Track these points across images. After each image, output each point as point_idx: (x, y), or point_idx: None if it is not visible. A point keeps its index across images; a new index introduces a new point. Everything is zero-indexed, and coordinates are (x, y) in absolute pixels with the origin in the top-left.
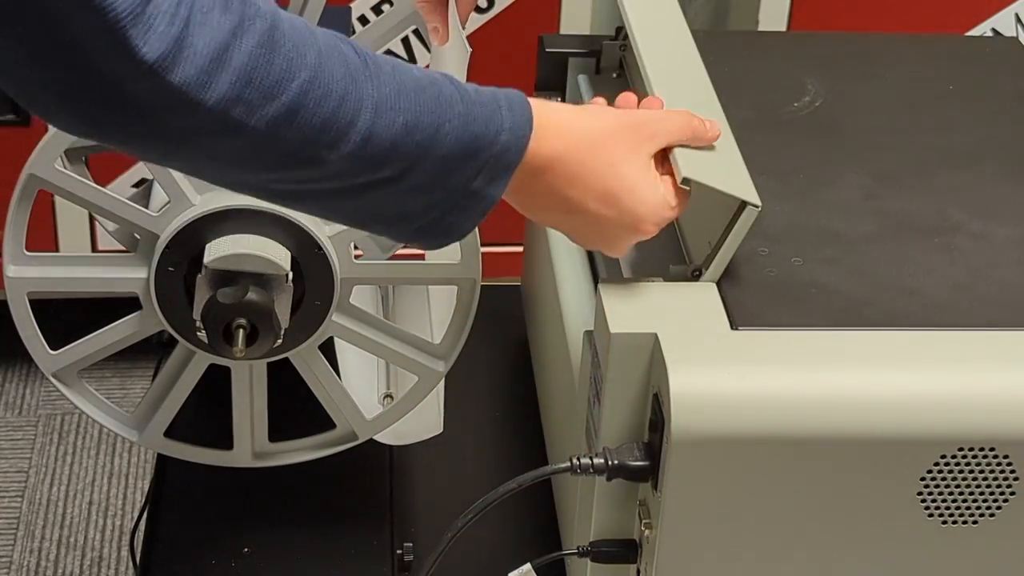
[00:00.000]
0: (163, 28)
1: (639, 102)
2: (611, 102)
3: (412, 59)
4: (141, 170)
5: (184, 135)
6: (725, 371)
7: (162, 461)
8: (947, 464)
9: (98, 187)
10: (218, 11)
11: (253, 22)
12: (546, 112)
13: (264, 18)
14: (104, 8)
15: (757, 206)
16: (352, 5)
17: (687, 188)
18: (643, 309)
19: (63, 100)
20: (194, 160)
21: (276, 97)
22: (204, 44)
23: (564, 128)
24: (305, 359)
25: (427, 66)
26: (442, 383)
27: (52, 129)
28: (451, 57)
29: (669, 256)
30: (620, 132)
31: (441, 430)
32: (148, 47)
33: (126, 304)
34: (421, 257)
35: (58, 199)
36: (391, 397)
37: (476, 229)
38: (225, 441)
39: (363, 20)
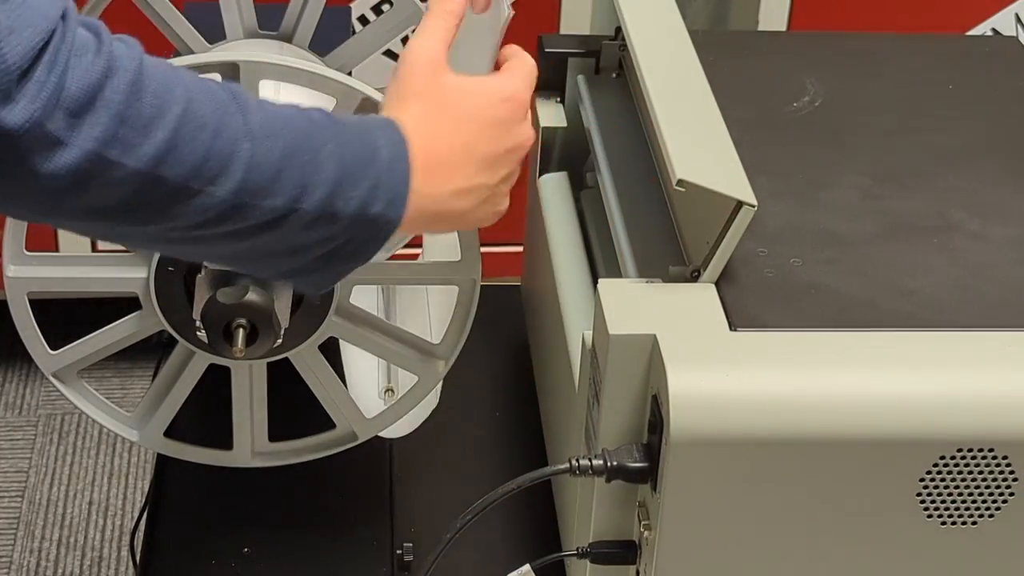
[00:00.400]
0: (43, 76)
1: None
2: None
3: None
4: None
5: (68, 180)
6: (724, 372)
7: (162, 461)
8: (946, 465)
9: None
10: (91, 54)
11: (121, 62)
12: (400, 115)
13: (132, 59)
14: None
15: (753, 206)
16: (352, 5)
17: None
18: (642, 310)
19: None
20: (80, 211)
21: (151, 133)
22: (78, 87)
23: (429, 131)
24: (305, 359)
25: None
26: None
27: None
28: (485, 25)
29: (668, 257)
30: (434, 111)
31: (436, 403)
32: (26, 101)
33: (126, 304)
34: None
35: None
36: (392, 391)
37: (476, 229)
38: (225, 441)
39: (363, 20)
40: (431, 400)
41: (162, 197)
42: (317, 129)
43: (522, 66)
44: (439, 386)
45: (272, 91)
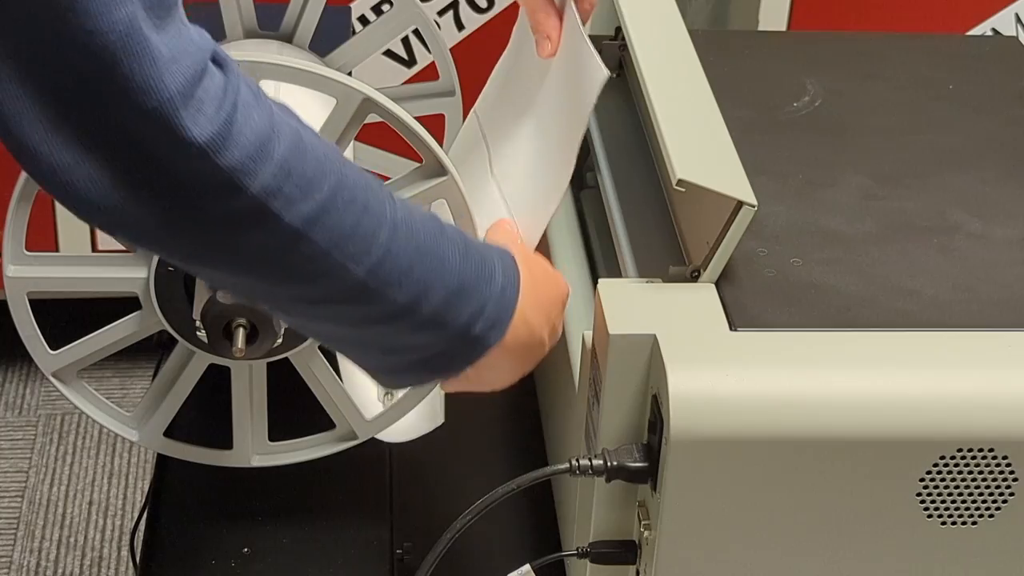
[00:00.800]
0: (212, 112)
1: None
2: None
3: (412, 59)
4: None
5: (221, 224)
6: (724, 372)
7: (162, 461)
8: (946, 465)
9: None
10: (255, 110)
11: (281, 120)
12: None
13: (290, 124)
14: (153, 90)
15: (753, 206)
16: (352, 5)
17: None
18: (642, 310)
19: (105, 184)
20: (223, 258)
21: (311, 195)
22: (251, 131)
23: (526, 268)
24: (305, 359)
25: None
26: None
27: None
28: (573, 66)
29: (668, 257)
30: (535, 264)
31: (442, 420)
32: (198, 128)
33: (126, 304)
34: None
35: None
36: (391, 394)
37: (476, 228)
38: (225, 441)
39: (363, 20)
40: (437, 413)
41: (304, 260)
42: (446, 236)
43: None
44: (442, 399)
45: (272, 91)
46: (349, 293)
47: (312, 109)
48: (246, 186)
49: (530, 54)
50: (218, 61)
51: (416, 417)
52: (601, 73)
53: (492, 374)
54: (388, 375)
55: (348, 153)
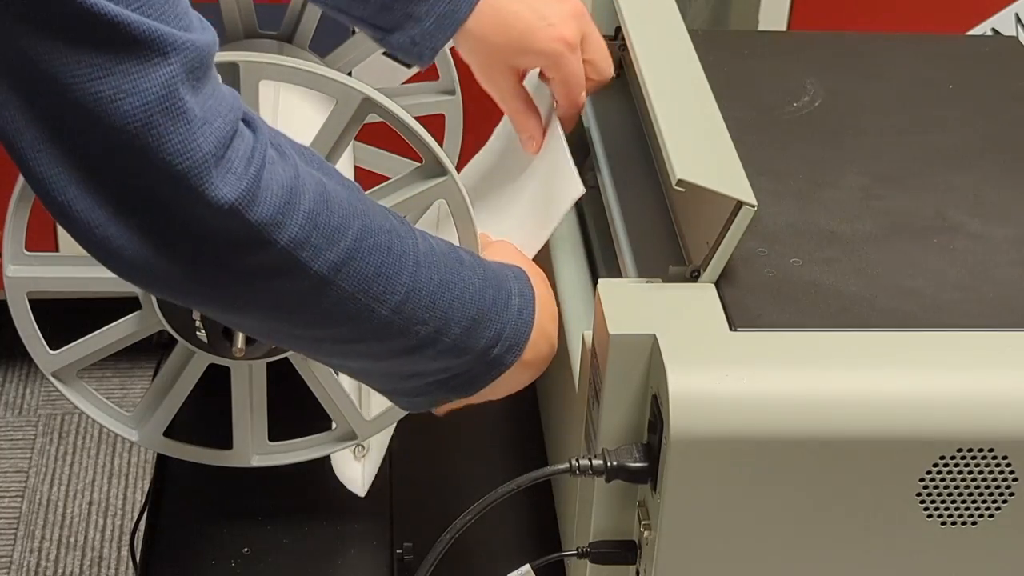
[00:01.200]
0: (241, 170)
1: None
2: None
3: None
4: None
5: (252, 276)
6: (724, 372)
7: (162, 461)
8: (946, 465)
9: None
10: (281, 165)
11: (305, 173)
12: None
13: (314, 175)
14: (187, 151)
15: (753, 205)
16: None
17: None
18: (642, 310)
19: (139, 242)
20: (253, 307)
21: (337, 243)
22: (278, 186)
23: (537, 284)
24: (305, 359)
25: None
26: None
27: None
28: (550, 174)
29: (668, 257)
30: (542, 280)
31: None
32: (228, 187)
33: (126, 304)
34: None
35: None
36: None
37: (476, 227)
38: (225, 441)
39: None
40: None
41: (332, 305)
42: (466, 266)
43: None
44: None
45: (272, 92)
46: (375, 331)
47: (311, 111)
48: (275, 239)
49: (512, 150)
50: (247, 120)
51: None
52: (576, 190)
53: (502, 387)
54: (407, 397)
55: (348, 153)
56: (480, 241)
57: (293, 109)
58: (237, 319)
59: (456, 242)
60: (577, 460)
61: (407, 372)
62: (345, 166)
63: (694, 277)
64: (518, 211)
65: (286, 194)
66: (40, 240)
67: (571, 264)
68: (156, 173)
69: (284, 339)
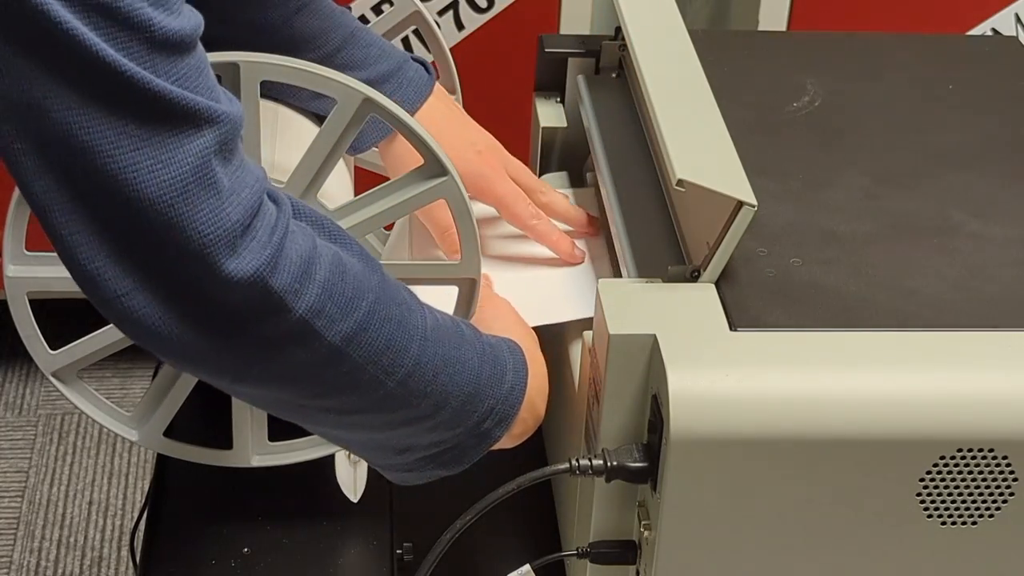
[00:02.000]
0: (266, 238)
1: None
2: (610, 103)
3: None
4: None
5: (270, 344)
6: (724, 372)
7: (162, 461)
8: (946, 465)
9: None
10: (300, 235)
11: (323, 248)
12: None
13: (330, 248)
14: (216, 222)
15: (753, 206)
16: (352, 5)
17: None
18: (642, 310)
19: (162, 309)
20: (265, 376)
21: (351, 313)
22: (297, 256)
23: (531, 361)
24: None
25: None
26: None
27: None
28: (575, 279)
29: (668, 257)
30: (538, 351)
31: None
32: (253, 255)
33: None
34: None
35: None
36: None
37: (476, 227)
38: (225, 441)
39: (363, 20)
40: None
41: (341, 375)
42: (467, 342)
43: None
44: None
45: (271, 114)
46: (378, 402)
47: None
48: (294, 307)
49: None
50: (270, 189)
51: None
52: (581, 314)
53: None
54: (398, 472)
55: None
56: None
57: (293, 114)
58: (248, 389)
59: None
60: (577, 460)
61: (402, 446)
62: (345, 168)
63: (694, 277)
64: (531, 278)
65: (304, 264)
66: (40, 240)
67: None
68: (186, 242)
69: (289, 410)
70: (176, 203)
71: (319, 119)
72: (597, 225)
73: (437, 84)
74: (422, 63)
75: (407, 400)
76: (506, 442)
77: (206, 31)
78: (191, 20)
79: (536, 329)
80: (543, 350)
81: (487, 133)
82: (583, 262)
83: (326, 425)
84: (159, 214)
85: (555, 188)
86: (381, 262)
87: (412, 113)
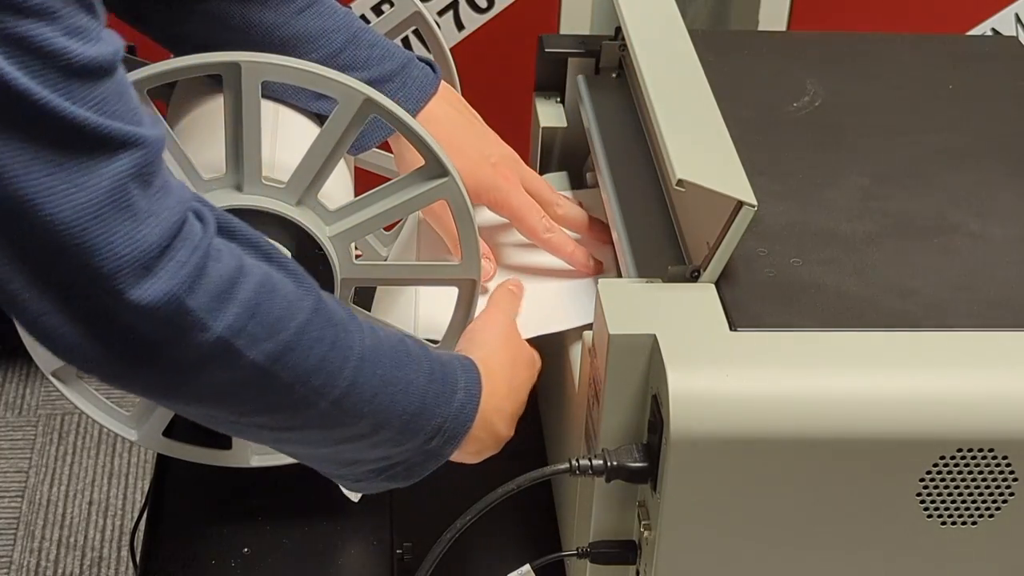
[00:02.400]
0: (184, 258)
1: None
2: (610, 103)
3: None
4: None
5: (187, 363)
6: (724, 372)
7: (162, 461)
8: (946, 465)
9: None
10: (226, 254)
11: (252, 268)
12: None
13: (262, 267)
14: (131, 244)
15: (753, 206)
16: (352, 5)
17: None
18: (642, 310)
19: (79, 330)
20: (190, 394)
21: (276, 333)
22: (218, 275)
23: (493, 379)
24: None
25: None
26: None
27: None
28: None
29: (668, 257)
30: (516, 363)
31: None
32: (169, 275)
33: None
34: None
35: None
36: None
37: (476, 229)
38: (225, 441)
39: (363, 20)
40: None
41: (268, 394)
42: (413, 361)
43: None
44: None
45: (272, 114)
46: (313, 421)
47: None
48: (211, 326)
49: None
50: (198, 212)
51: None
52: (578, 323)
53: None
54: (347, 481)
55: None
56: (481, 248)
57: (294, 114)
58: (180, 406)
59: (456, 244)
60: (577, 460)
61: (347, 460)
62: (345, 168)
63: (694, 277)
64: (539, 288)
65: (226, 283)
66: None
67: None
68: (100, 265)
69: (224, 425)
70: (90, 227)
71: (320, 119)
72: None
73: (456, 94)
74: (428, 63)
75: (343, 420)
76: (464, 459)
77: (207, 33)
78: (110, 45)
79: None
80: (542, 351)
81: (503, 144)
82: (601, 273)
83: (265, 440)
84: (73, 237)
85: (559, 190)
86: (388, 263)
87: (415, 113)
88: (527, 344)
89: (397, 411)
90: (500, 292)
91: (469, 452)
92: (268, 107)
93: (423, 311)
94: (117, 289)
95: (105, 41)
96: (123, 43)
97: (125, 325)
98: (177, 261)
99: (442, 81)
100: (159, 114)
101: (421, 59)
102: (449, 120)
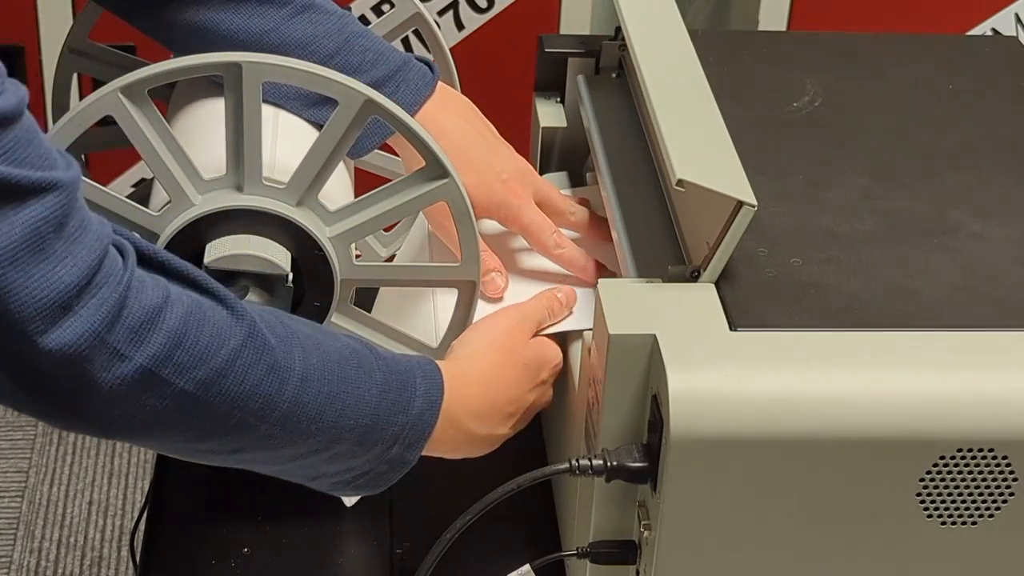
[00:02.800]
0: (105, 295)
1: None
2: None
3: None
4: (141, 170)
5: (115, 395)
6: (724, 372)
7: (162, 461)
8: (946, 465)
9: (98, 186)
10: (149, 286)
11: (179, 298)
12: (449, 368)
13: (191, 296)
14: (47, 287)
15: (753, 206)
16: (352, 5)
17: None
18: (642, 310)
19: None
20: (126, 426)
21: (206, 361)
22: (140, 307)
23: (468, 383)
24: None
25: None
26: None
27: (54, 127)
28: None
29: (668, 257)
30: (505, 363)
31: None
32: (89, 314)
33: None
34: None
35: None
36: None
37: (477, 230)
38: None
39: (363, 20)
40: None
41: (203, 421)
42: (364, 373)
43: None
44: None
45: (272, 115)
46: (256, 444)
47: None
48: (131, 356)
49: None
50: (119, 246)
51: None
52: (581, 327)
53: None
54: (323, 490)
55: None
56: (493, 262)
57: (294, 116)
58: (121, 438)
59: (456, 244)
60: (577, 460)
61: (309, 475)
62: (345, 169)
63: (694, 277)
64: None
65: (148, 314)
66: None
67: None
68: (21, 307)
69: (171, 451)
70: (7, 272)
71: (316, 127)
72: None
73: (467, 103)
74: (427, 63)
75: (290, 439)
76: (442, 455)
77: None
78: (14, 95)
79: None
80: None
81: (516, 156)
82: None
83: (215, 463)
84: None
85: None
86: (387, 264)
87: (411, 115)
88: (533, 343)
89: (348, 425)
90: (538, 296)
91: (442, 452)
92: (268, 108)
93: (441, 314)
94: (37, 331)
95: (9, 92)
96: (26, 91)
97: (46, 366)
98: (98, 299)
99: (456, 91)
100: (71, 157)
101: (420, 59)
102: (460, 133)
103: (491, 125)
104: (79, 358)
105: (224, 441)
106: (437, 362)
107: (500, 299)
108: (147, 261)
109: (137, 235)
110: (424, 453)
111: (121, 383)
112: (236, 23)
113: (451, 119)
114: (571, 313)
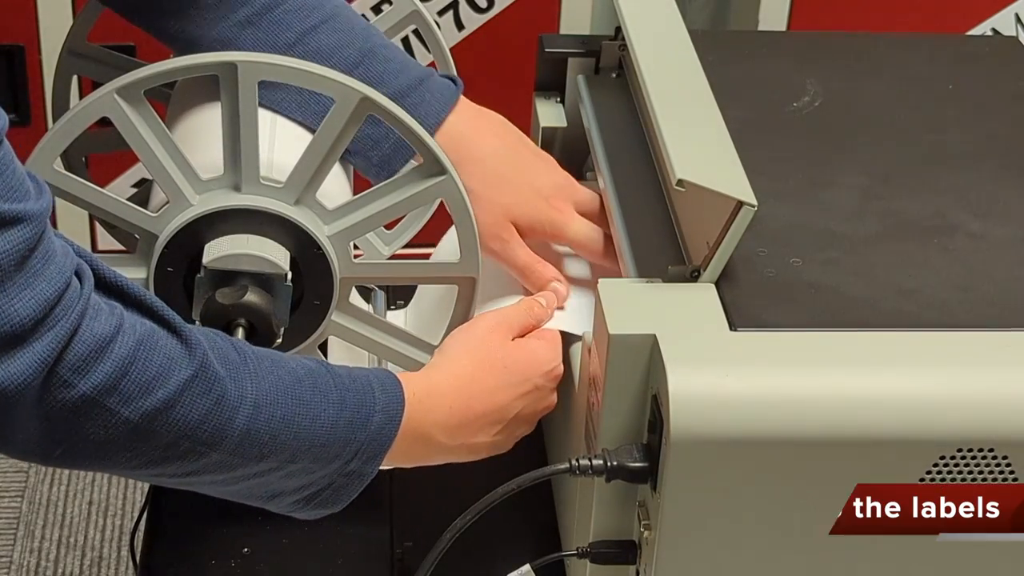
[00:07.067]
0: (59, 323)
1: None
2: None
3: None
4: (141, 170)
5: (63, 418)
6: (724, 372)
7: None
8: (946, 465)
9: (97, 188)
10: (104, 314)
11: (132, 327)
12: (416, 381)
13: (145, 324)
14: (3, 321)
15: (753, 206)
16: (351, 5)
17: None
18: (642, 310)
19: None
20: (70, 454)
21: (152, 391)
22: (91, 335)
23: (435, 394)
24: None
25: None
26: None
27: (51, 129)
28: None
29: (668, 257)
30: (481, 369)
31: None
32: (44, 343)
33: None
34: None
35: (57, 200)
36: None
37: (475, 227)
38: None
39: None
40: None
41: (151, 449)
42: (319, 395)
43: (556, 341)
44: None
45: (269, 115)
46: (208, 468)
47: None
48: (76, 384)
49: None
50: (79, 272)
51: None
52: (581, 331)
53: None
54: (285, 511)
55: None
56: (552, 271)
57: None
58: (70, 465)
59: (455, 245)
60: (577, 460)
61: (265, 494)
62: (342, 167)
63: (694, 277)
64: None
65: (100, 343)
66: None
67: (571, 263)
68: None
69: (126, 475)
70: None
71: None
72: None
73: (499, 119)
74: (451, 79)
75: (244, 463)
76: (405, 464)
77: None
78: None
79: None
80: None
81: (554, 168)
82: None
83: (170, 486)
84: None
85: None
86: (387, 261)
87: (435, 127)
88: (517, 347)
89: (304, 445)
90: (518, 301)
91: (418, 463)
92: (265, 111)
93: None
94: None
95: None
96: (6, 120)
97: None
98: (54, 332)
99: (484, 108)
100: (44, 185)
101: (443, 75)
102: (495, 155)
103: (525, 137)
104: (24, 388)
105: (173, 467)
106: (402, 375)
107: (563, 308)
108: (105, 286)
109: (98, 258)
110: (400, 465)
111: (63, 410)
112: (258, 39)
113: (484, 139)
114: (563, 309)
